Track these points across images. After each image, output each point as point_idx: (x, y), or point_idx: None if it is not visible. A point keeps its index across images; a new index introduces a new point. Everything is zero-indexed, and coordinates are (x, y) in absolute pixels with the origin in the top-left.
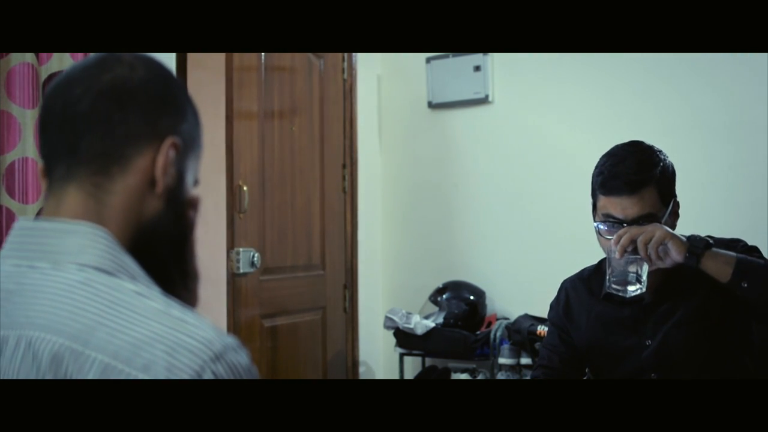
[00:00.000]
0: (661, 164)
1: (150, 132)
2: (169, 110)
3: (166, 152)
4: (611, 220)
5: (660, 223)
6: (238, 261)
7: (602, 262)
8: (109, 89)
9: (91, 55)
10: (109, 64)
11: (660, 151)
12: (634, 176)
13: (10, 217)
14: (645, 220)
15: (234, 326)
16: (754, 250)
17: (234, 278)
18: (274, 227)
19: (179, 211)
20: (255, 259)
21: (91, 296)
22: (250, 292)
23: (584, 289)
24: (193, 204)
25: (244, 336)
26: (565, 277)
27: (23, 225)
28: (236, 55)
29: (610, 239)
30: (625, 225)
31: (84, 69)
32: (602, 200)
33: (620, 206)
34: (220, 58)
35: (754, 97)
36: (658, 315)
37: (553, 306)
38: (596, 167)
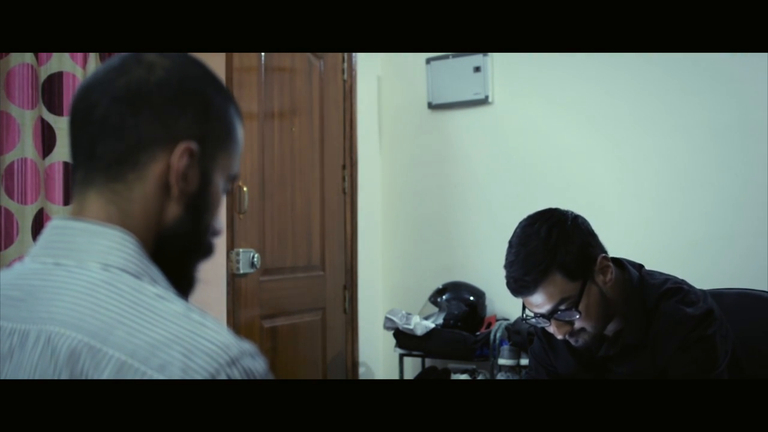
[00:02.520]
0: (559, 244)
1: (164, 136)
2: (188, 112)
3: (178, 158)
4: (536, 314)
5: (578, 300)
6: (237, 262)
7: None
8: (123, 94)
9: (116, 55)
10: (127, 67)
11: (556, 225)
12: (527, 277)
13: (9, 218)
14: (562, 306)
15: (234, 327)
16: (677, 292)
17: (234, 279)
18: (274, 228)
19: (201, 216)
20: (255, 259)
21: (113, 295)
22: (250, 293)
23: None
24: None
25: (244, 337)
26: None
27: (55, 224)
28: (236, 56)
29: (547, 326)
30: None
31: (104, 73)
32: None
33: (532, 304)
34: (220, 58)
35: (757, 97)
36: (616, 367)
37: None
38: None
